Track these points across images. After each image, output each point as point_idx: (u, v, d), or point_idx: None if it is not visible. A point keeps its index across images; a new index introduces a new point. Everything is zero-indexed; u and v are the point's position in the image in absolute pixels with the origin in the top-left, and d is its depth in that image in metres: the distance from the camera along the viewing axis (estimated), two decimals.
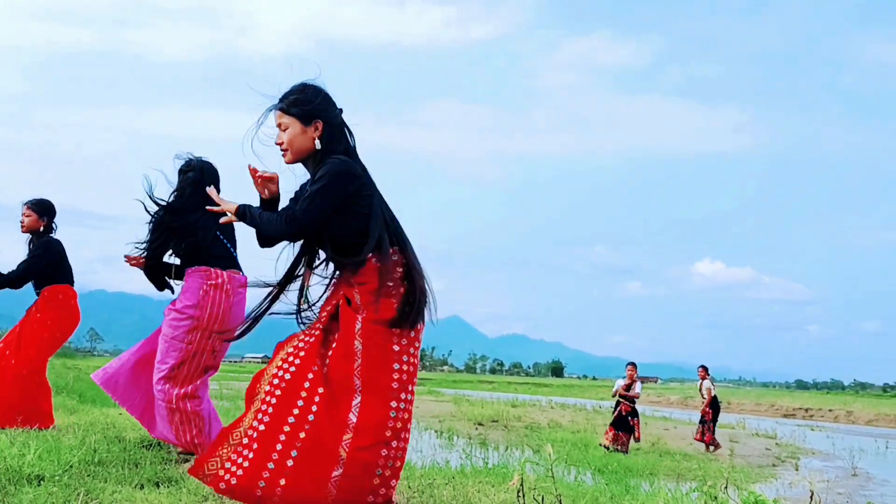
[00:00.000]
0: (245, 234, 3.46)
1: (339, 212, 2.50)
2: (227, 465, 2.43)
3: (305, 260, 2.68)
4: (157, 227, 3.97)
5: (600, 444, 11.07)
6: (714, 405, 12.62)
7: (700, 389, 12.85)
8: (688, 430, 14.93)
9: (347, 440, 2.41)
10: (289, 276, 2.67)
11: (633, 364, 11.59)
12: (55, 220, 5.15)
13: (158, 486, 3.35)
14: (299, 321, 2.66)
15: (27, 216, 5.03)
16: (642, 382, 12.46)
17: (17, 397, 4.86)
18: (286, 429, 2.42)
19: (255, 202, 2.66)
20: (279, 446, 2.40)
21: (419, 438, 11.66)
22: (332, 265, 2.66)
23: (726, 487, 2.65)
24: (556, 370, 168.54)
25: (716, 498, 2.89)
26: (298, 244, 2.66)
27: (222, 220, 2.62)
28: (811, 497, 2.84)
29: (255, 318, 2.68)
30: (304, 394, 2.46)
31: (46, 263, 4.99)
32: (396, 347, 2.49)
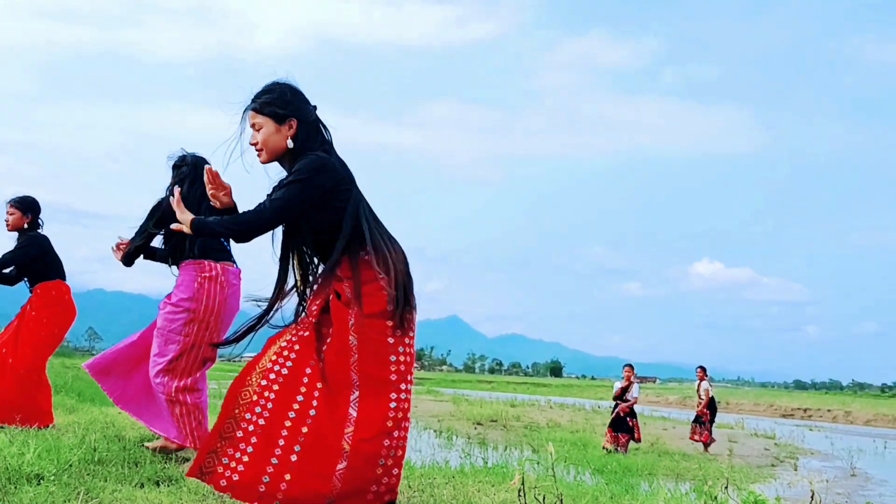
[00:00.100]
0: None
1: (318, 207, 2.49)
2: (225, 460, 2.41)
3: (293, 262, 2.66)
4: (154, 211, 3.99)
5: (603, 447, 11.07)
6: (711, 406, 12.64)
7: (698, 390, 12.86)
8: (687, 429, 14.93)
9: (349, 433, 2.42)
10: (280, 289, 2.65)
11: (631, 366, 11.60)
12: (40, 216, 5.12)
13: (158, 484, 3.34)
14: (296, 312, 2.63)
15: (11, 214, 5.01)
16: (641, 383, 12.49)
17: (15, 396, 4.84)
18: (287, 424, 2.41)
19: (251, 204, 2.64)
20: (281, 441, 2.39)
21: (418, 438, 11.66)
22: (317, 261, 2.66)
23: (727, 487, 2.65)
24: (555, 370, 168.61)
25: (715, 498, 2.89)
26: (286, 250, 2.64)
27: (173, 226, 2.58)
28: (812, 497, 2.84)
29: (247, 331, 2.65)
30: (303, 389, 2.45)
31: (32, 257, 4.96)
32: (391, 340, 2.48)
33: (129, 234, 4.15)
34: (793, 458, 12.44)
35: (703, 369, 13.00)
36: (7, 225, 5.03)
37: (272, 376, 2.47)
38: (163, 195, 4.10)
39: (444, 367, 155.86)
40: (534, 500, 2.90)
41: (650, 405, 34.48)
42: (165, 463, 3.85)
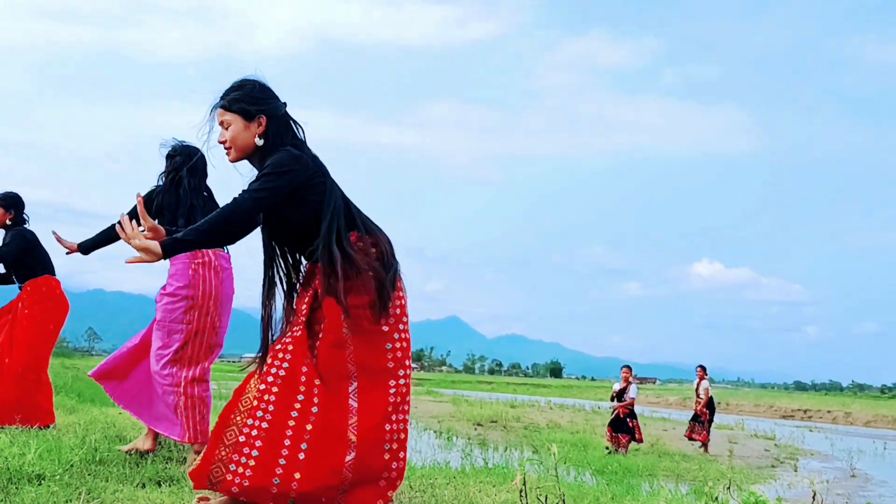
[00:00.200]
0: None
1: (293, 203, 2.47)
2: (232, 467, 2.41)
3: (277, 263, 2.65)
4: (152, 197, 3.99)
5: (605, 446, 11.06)
6: (710, 406, 12.63)
7: (697, 389, 12.84)
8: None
9: (354, 424, 2.45)
10: (270, 291, 2.64)
11: (629, 366, 11.61)
12: (25, 212, 5.08)
13: (160, 485, 3.34)
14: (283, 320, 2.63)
15: None
16: (641, 383, 12.50)
17: (15, 396, 4.82)
18: (291, 423, 2.42)
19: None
20: (287, 441, 2.40)
21: (418, 438, 11.66)
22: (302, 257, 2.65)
23: (729, 487, 2.65)
24: (555, 371, 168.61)
25: (716, 498, 2.89)
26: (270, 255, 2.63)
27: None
28: (813, 497, 2.84)
29: (265, 342, 2.61)
30: (302, 388, 2.46)
31: (21, 250, 4.94)
32: (385, 328, 2.52)
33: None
34: (793, 459, 12.44)
35: (703, 368, 12.99)
36: None
37: (270, 379, 2.48)
38: (158, 185, 4.09)
39: (444, 368, 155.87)
40: (536, 501, 2.90)
41: (650, 406, 34.47)
42: (167, 463, 3.85)
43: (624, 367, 11.60)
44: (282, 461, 2.38)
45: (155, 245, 2.26)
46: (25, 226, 5.06)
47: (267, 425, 2.42)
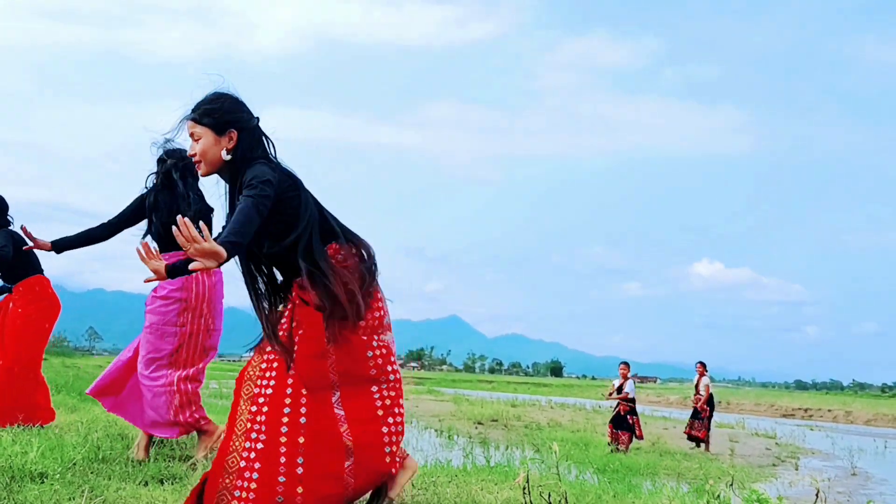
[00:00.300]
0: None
1: (268, 219, 2.40)
2: (237, 493, 2.39)
3: (257, 278, 2.62)
4: (149, 193, 3.98)
5: (608, 444, 11.06)
6: (710, 402, 12.61)
7: (697, 385, 12.81)
8: None
9: (346, 430, 2.45)
10: (259, 306, 2.60)
11: (626, 363, 11.61)
12: (9, 214, 5.05)
13: (162, 482, 3.35)
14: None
15: None
16: (641, 382, 12.49)
17: (13, 396, 4.81)
18: (283, 440, 2.40)
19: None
20: (283, 459, 2.38)
21: (419, 437, 11.67)
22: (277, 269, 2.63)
23: (731, 485, 2.65)
24: (555, 370, 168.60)
25: (718, 497, 2.89)
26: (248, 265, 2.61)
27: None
28: (816, 495, 2.84)
29: (286, 350, 2.52)
30: (288, 401, 2.44)
31: (13, 250, 4.92)
32: (364, 336, 2.52)
33: (127, 233, 4.14)
34: (794, 458, 12.44)
35: (703, 365, 12.96)
36: None
37: (260, 400, 2.47)
38: (147, 187, 4.06)
39: (445, 367, 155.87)
40: (538, 499, 2.90)
41: (651, 405, 34.48)
42: (169, 461, 3.85)
43: (622, 363, 11.61)
44: (281, 478, 2.37)
45: (221, 248, 2.14)
46: (10, 227, 5.03)
47: (262, 445, 2.40)
